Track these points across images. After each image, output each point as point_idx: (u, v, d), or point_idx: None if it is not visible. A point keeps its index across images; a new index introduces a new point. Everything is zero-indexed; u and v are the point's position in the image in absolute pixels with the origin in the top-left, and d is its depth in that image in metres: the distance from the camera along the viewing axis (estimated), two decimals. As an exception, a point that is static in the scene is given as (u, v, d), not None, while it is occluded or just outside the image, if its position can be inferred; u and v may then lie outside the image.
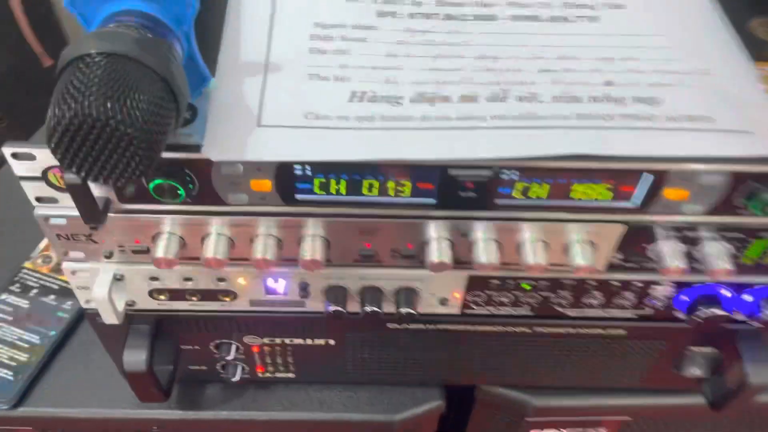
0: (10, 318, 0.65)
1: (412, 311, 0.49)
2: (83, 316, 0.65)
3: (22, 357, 0.62)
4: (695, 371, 0.58)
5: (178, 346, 0.57)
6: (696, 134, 0.41)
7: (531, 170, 0.41)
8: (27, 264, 0.69)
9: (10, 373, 0.61)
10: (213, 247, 0.44)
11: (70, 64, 0.33)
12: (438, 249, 0.44)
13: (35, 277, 0.68)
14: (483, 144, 0.39)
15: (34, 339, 0.63)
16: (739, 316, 0.52)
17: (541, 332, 0.54)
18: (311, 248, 0.44)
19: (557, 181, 0.42)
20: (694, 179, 0.41)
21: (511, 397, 0.63)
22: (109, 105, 0.31)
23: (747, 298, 0.51)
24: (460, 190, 0.42)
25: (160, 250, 0.44)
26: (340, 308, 0.49)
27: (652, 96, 0.43)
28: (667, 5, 0.49)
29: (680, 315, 0.52)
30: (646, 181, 0.41)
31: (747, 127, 0.41)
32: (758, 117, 0.42)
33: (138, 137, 0.32)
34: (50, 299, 0.66)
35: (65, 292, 0.67)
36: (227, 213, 0.43)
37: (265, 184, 0.41)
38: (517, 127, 0.40)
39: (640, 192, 0.42)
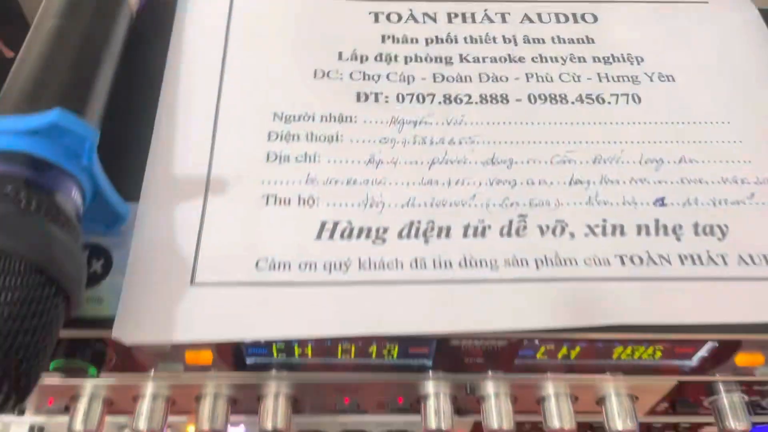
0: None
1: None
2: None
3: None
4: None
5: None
6: (781, 284, 0.30)
7: (559, 339, 0.31)
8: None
9: None
10: (146, 416, 0.34)
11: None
12: (437, 413, 0.34)
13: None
14: (496, 312, 0.29)
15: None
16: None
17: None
18: (273, 412, 0.34)
19: (595, 345, 0.31)
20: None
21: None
22: None
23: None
24: (466, 356, 0.32)
25: (77, 422, 0.34)
26: (314, 463, 0.39)
27: (718, 223, 0.32)
28: (733, 78, 0.38)
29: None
30: (711, 347, 0.31)
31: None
32: None
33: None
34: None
35: None
36: (161, 377, 0.33)
37: (205, 356, 0.31)
38: (541, 279, 0.30)
39: (701, 355, 0.32)
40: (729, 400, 0.35)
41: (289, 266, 0.30)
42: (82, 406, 0.34)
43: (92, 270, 0.30)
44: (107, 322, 0.29)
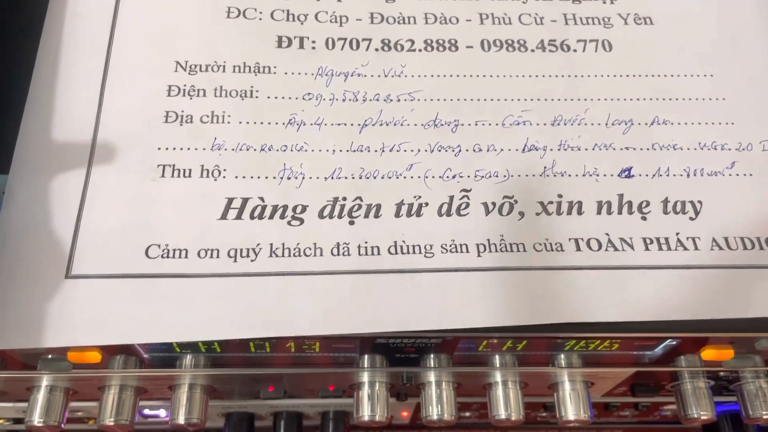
0: None
1: (342, 445, 0.36)
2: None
3: None
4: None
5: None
6: (756, 274, 0.26)
7: (504, 337, 0.27)
8: None
9: None
10: (39, 411, 0.30)
11: None
12: (370, 401, 0.30)
13: None
14: (431, 307, 0.25)
15: None
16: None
17: (514, 433, 0.42)
18: (186, 405, 0.30)
19: (543, 339, 0.28)
20: (749, 343, 0.27)
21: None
22: None
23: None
24: (397, 353, 0.28)
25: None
26: (243, 445, 0.36)
27: (691, 198, 0.28)
28: (719, 24, 0.33)
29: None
30: (675, 343, 0.27)
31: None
32: None
33: None
34: None
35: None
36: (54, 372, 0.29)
37: (92, 356, 0.27)
38: (482, 268, 0.26)
39: (663, 347, 0.28)
40: (692, 387, 0.31)
41: (187, 253, 0.26)
42: (-32, 399, 0.30)
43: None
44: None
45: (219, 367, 0.29)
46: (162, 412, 0.37)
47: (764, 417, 0.31)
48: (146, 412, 0.36)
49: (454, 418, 0.31)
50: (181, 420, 0.31)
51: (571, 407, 0.31)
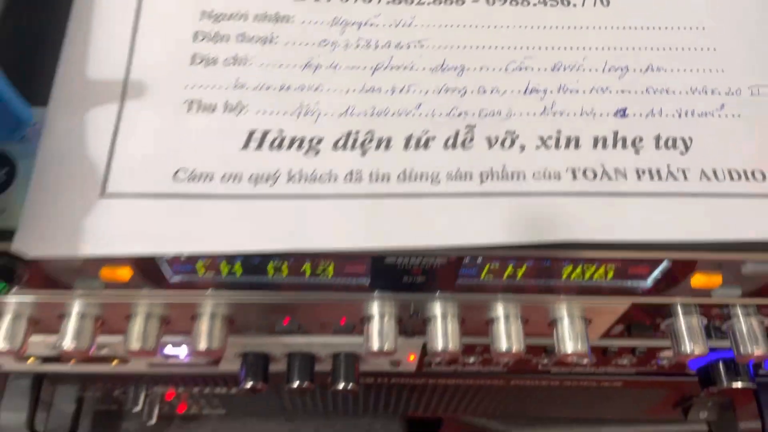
0: None
1: (353, 385, 0.38)
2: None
3: None
4: (703, 415, 0.49)
5: (79, 394, 0.46)
6: (742, 202, 0.28)
7: (505, 257, 0.29)
8: None
9: None
10: (71, 335, 0.32)
11: None
12: (379, 333, 0.32)
13: None
14: (435, 226, 0.27)
15: None
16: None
17: (517, 384, 0.44)
18: (207, 333, 0.33)
19: (543, 264, 0.30)
20: (735, 267, 0.29)
21: (483, 426, 0.54)
22: None
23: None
24: (404, 275, 0.30)
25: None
26: (257, 384, 0.38)
27: (682, 135, 0.30)
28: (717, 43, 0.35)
29: (690, 371, 0.42)
30: (666, 267, 0.29)
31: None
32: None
33: None
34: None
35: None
36: (83, 295, 0.31)
37: (123, 273, 0.29)
38: (485, 194, 0.28)
39: (656, 275, 0.30)
40: (686, 323, 0.33)
41: (212, 177, 0.28)
42: (3, 323, 0.32)
43: (-6, 182, 0.27)
44: (11, 234, 0.26)
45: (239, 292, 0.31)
46: (182, 352, 0.39)
47: (756, 353, 0.33)
48: (167, 351, 0.38)
49: (458, 349, 0.33)
50: (202, 347, 0.33)
51: (570, 342, 0.33)
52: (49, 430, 0.45)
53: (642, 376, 0.43)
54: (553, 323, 0.34)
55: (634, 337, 0.37)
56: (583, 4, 0.34)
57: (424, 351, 0.39)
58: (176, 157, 0.28)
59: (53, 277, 0.29)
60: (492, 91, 0.31)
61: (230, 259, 0.29)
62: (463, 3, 0.34)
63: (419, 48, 0.32)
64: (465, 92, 0.31)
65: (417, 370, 0.42)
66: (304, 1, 0.33)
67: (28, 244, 0.26)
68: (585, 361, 0.33)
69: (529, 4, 0.34)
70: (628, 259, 0.29)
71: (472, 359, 0.41)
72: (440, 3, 0.34)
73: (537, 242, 0.27)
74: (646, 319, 0.35)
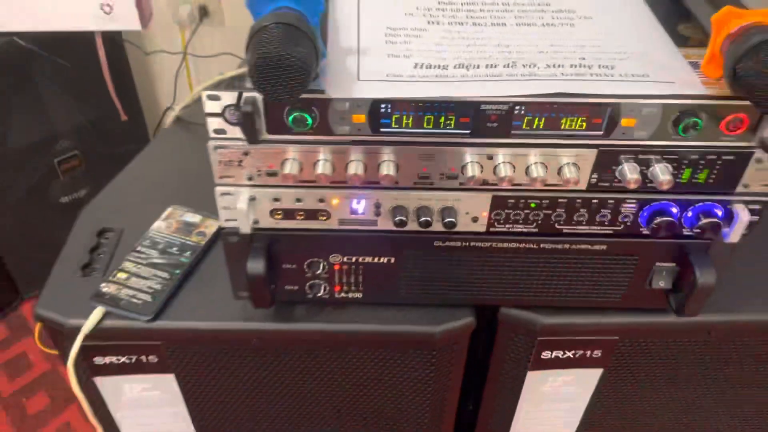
0: (145, 262, 0.86)
1: (453, 220, 0.71)
2: (201, 260, 0.86)
3: (157, 287, 0.83)
4: (661, 283, 0.79)
5: (280, 267, 0.78)
6: (638, 84, 0.64)
7: (534, 106, 0.64)
8: (154, 226, 0.91)
9: (149, 297, 0.82)
10: (322, 167, 0.66)
11: (257, 33, 0.57)
12: (472, 167, 0.66)
13: (161, 236, 0.90)
14: (502, 89, 0.62)
15: (165, 275, 0.85)
16: (686, 231, 0.73)
17: (544, 248, 0.75)
18: (387, 168, 0.66)
19: (550, 116, 0.64)
20: (638, 110, 0.63)
21: (525, 317, 0.83)
22: (284, 48, 0.54)
23: (689, 215, 0.72)
24: (488, 122, 0.64)
25: (287, 167, 0.66)
26: (403, 218, 0.70)
27: (611, 65, 0.66)
28: (622, 16, 0.74)
29: (644, 230, 0.73)
30: (608, 113, 0.64)
31: (672, 79, 0.64)
32: (679, 74, 0.65)
33: (300, 67, 0.55)
34: (174, 250, 0.88)
35: (185, 247, 0.89)
36: (333, 142, 0.66)
37: (361, 118, 0.64)
38: (524, 78, 0.64)
39: (605, 122, 0.65)
40: (628, 167, 0.67)
41: (402, 75, 0.64)
42: (288, 162, 0.67)
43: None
44: (322, 92, 0.62)
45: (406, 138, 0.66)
46: (362, 205, 0.72)
47: (663, 180, 0.66)
48: (353, 205, 0.71)
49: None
50: (384, 172, 0.66)
51: (569, 173, 0.67)
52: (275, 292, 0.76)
53: (617, 237, 0.74)
54: (560, 168, 0.67)
55: (604, 190, 0.70)
56: (560, 26, 0.72)
57: (492, 206, 0.72)
58: (386, 69, 0.65)
59: (327, 123, 0.64)
60: (522, 53, 0.68)
61: (407, 113, 0.64)
62: (506, 25, 0.72)
63: (487, 40, 0.70)
64: (511, 53, 0.68)
65: (487, 230, 0.74)
66: (432, 24, 0.72)
67: (332, 92, 0.62)
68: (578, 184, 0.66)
69: (537, 26, 0.72)
70: (591, 104, 0.63)
71: (518, 217, 0.73)
72: (495, 25, 0.72)
73: (550, 92, 0.62)
74: (607, 169, 0.68)
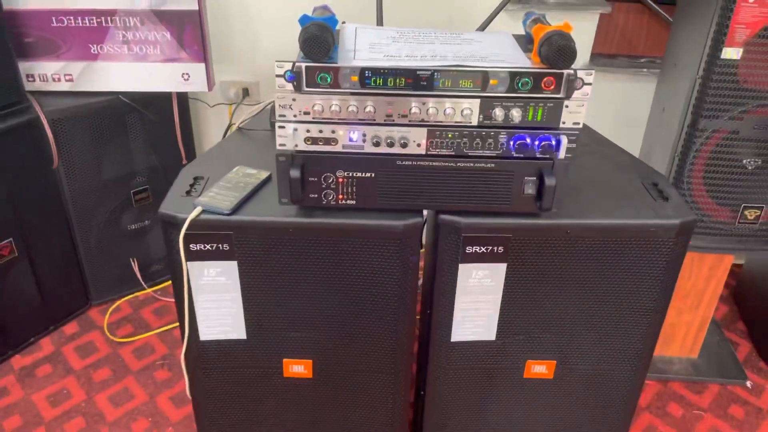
0: (224, 188, 1.43)
1: (406, 142, 1.29)
2: (256, 192, 1.43)
3: (231, 200, 1.39)
4: (529, 191, 1.35)
5: (307, 179, 1.35)
6: (500, 63, 1.25)
7: (445, 72, 1.24)
8: (228, 174, 1.49)
9: (227, 203, 1.38)
10: (333, 107, 1.25)
11: (305, 27, 1.18)
12: (414, 109, 1.26)
13: (233, 178, 1.47)
14: (428, 63, 1.23)
15: (236, 194, 1.41)
16: (538, 155, 1.31)
17: (459, 166, 1.33)
18: (369, 109, 1.26)
19: (454, 79, 1.24)
20: (497, 75, 1.24)
21: (454, 220, 1.39)
22: (318, 31, 1.16)
23: (536, 143, 1.30)
24: (421, 81, 1.24)
25: (315, 108, 1.25)
26: (379, 141, 1.28)
27: (487, 57, 1.27)
28: (498, 39, 1.36)
29: (513, 153, 1.31)
30: (484, 77, 1.24)
31: (515, 62, 1.25)
32: (519, 60, 1.26)
33: (325, 41, 1.17)
34: (240, 185, 1.45)
35: (247, 184, 1.46)
36: (340, 93, 1.25)
37: (355, 78, 1.24)
38: (440, 60, 1.24)
39: (482, 83, 1.25)
40: (498, 111, 1.26)
41: (380, 59, 1.26)
42: (318, 105, 1.26)
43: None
44: (335, 61, 1.23)
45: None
46: (356, 135, 1.30)
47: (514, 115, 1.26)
48: (350, 135, 1.30)
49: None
50: (369, 110, 1.25)
51: (462, 116, 1.26)
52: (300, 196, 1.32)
53: (501, 159, 1.32)
54: (462, 111, 1.27)
55: (489, 128, 1.28)
56: (462, 43, 1.35)
57: (428, 136, 1.30)
58: (373, 56, 1.26)
59: (338, 82, 1.24)
60: (445, 55, 1.30)
61: (383, 77, 1.24)
62: (433, 43, 1.35)
63: (430, 45, 1.32)
64: (439, 52, 1.30)
65: (425, 153, 1.32)
66: (398, 42, 1.34)
67: (340, 63, 1.22)
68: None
69: (453, 43, 1.35)
70: (476, 76, 1.24)
71: (443, 143, 1.31)
72: (436, 42, 1.34)
73: (451, 65, 1.23)
74: (488, 112, 1.27)
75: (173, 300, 1.44)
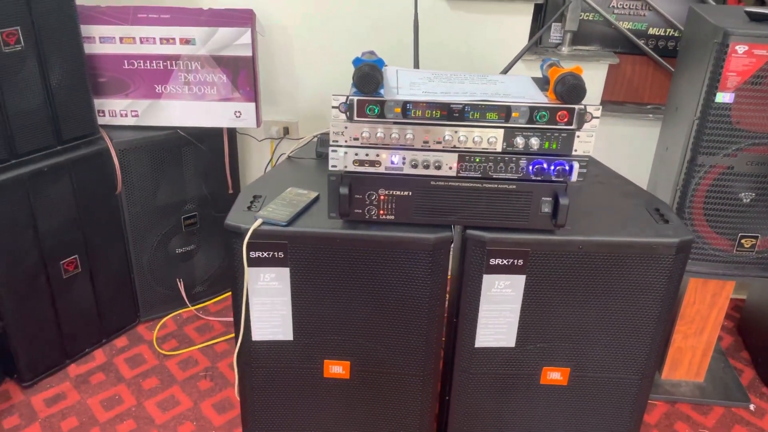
0: (280, 204, 1.65)
1: (439, 165, 1.50)
2: (307, 208, 1.65)
3: (287, 214, 1.61)
4: (546, 209, 1.55)
5: (354, 196, 1.56)
6: (520, 99, 1.47)
7: (474, 106, 1.47)
8: (282, 194, 1.71)
9: (284, 216, 1.60)
10: (379, 134, 1.48)
11: (359, 67, 1.42)
12: (447, 137, 1.48)
13: (287, 197, 1.70)
14: (460, 99, 1.46)
15: (290, 210, 1.63)
16: (553, 178, 1.52)
17: (484, 186, 1.54)
18: (408, 136, 1.48)
19: (482, 112, 1.47)
20: (519, 109, 1.46)
21: (480, 234, 1.59)
22: (369, 70, 1.40)
23: (552, 168, 1.52)
24: (454, 113, 1.47)
25: (363, 135, 1.48)
26: (416, 163, 1.50)
27: (510, 94, 1.50)
28: (519, 80, 1.59)
29: (532, 176, 1.53)
30: (507, 110, 1.47)
31: (534, 99, 1.48)
32: (537, 97, 1.49)
33: (375, 78, 1.40)
34: (294, 202, 1.67)
35: (299, 201, 1.68)
36: (385, 122, 1.48)
37: (398, 110, 1.47)
38: (470, 95, 1.47)
39: (506, 115, 1.47)
40: (520, 138, 1.48)
41: (419, 94, 1.49)
42: (366, 132, 1.48)
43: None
44: (382, 95, 1.46)
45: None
46: (397, 158, 1.52)
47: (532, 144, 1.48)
48: (392, 159, 1.52)
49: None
50: (409, 137, 1.48)
51: (488, 144, 1.48)
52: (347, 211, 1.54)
53: (521, 181, 1.53)
54: (488, 139, 1.49)
55: (511, 153, 1.50)
56: (488, 83, 1.58)
57: (458, 160, 1.52)
58: (413, 92, 1.49)
59: (384, 114, 1.47)
60: (474, 92, 1.53)
61: (427, 111, 1.47)
62: (464, 82, 1.58)
63: (460, 84, 1.55)
64: (470, 90, 1.53)
65: (456, 174, 1.53)
66: (433, 81, 1.58)
67: (386, 97, 1.46)
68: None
69: (480, 83, 1.58)
70: (501, 109, 1.46)
71: (471, 166, 1.53)
72: (465, 81, 1.58)
73: (480, 100, 1.45)
74: (511, 140, 1.49)
75: (214, 318, 1.64)
